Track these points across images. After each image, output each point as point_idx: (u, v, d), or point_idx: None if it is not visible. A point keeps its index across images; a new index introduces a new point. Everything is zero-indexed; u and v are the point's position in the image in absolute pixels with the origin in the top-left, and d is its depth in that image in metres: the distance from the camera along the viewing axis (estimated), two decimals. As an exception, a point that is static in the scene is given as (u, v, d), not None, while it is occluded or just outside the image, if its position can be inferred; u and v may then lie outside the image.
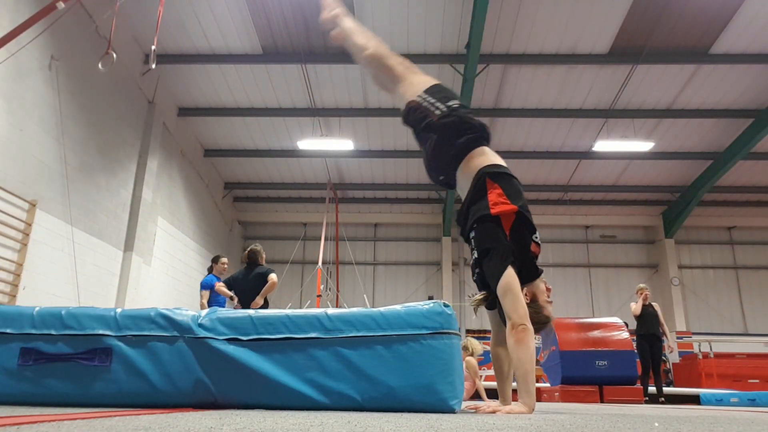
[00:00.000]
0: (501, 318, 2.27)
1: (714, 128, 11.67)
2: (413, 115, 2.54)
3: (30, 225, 6.91)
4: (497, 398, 2.58)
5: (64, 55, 7.46)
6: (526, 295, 2.21)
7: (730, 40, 9.31)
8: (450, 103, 2.45)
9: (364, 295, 13.20)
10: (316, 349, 1.99)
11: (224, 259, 7.23)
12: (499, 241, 2.19)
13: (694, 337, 13.45)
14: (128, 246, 9.43)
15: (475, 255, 2.28)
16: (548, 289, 2.38)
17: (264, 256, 6.34)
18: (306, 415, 1.45)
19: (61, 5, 5.55)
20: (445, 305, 2.08)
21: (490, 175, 2.31)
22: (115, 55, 6.16)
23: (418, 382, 1.91)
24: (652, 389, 7.79)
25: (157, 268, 10.67)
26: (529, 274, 2.27)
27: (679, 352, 13.72)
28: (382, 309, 2.08)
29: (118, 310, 2.14)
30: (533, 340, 2.10)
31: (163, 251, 10.95)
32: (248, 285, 5.96)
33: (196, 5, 8.84)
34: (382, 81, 2.78)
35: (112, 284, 9.01)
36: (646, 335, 7.60)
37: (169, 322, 2.06)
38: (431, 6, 8.75)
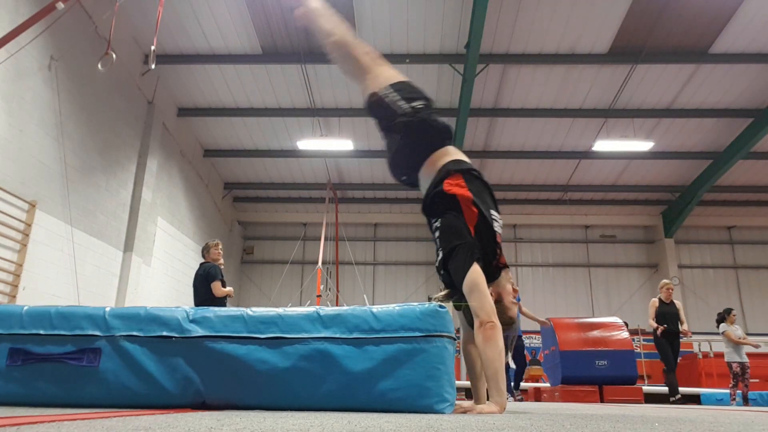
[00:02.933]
0: (468, 317, 2.24)
1: (713, 128, 11.67)
2: (375, 110, 2.48)
3: (30, 225, 6.91)
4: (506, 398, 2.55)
5: (63, 56, 7.45)
6: (492, 294, 2.19)
7: (729, 40, 9.31)
8: (414, 104, 2.39)
9: (364, 295, 13.20)
10: (304, 348, 1.96)
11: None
12: (463, 237, 2.17)
13: (694, 337, 13.44)
14: (128, 246, 9.42)
15: (440, 255, 2.24)
16: (515, 290, 2.36)
17: (213, 251, 5.90)
18: (306, 416, 1.44)
19: (60, 5, 5.55)
20: (441, 306, 2.06)
21: (453, 169, 2.32)
22: (114, 56, 6.15)
23: (409, 383, 1.89)
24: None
25: (156, 269, 10.67)
26: (494, 270, 2.26)
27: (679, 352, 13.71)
28: (375, 309, 2.05)
29: (107, 309, 2.13)
30: (501, 338, 2.06)
31: (162, 251, 10.95)
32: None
33: (196, 5, 8.83)
34: (347, 70, 2.65)
35: (111, 284, 9.01)
36: (667, 333, 7.29)
37: (158, 321, 2.05)
38: (431, 6, 8.75)
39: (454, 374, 2.05)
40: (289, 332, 1.98)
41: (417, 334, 1.96)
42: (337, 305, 12.91)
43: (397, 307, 2.04)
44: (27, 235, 6.87)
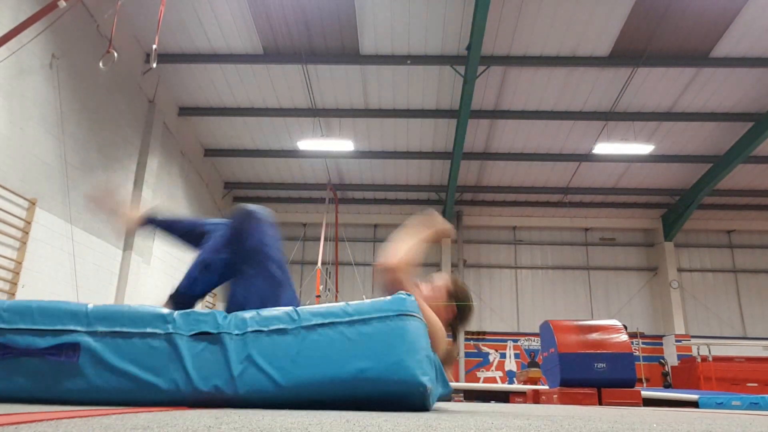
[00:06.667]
0: None
1: (714, 132, 11.68)
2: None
3: (30, 223, 6.91)
4: (496, 401, 2.56)
5: (65, 54, 7.46)
6: None
7: (730, 44, 9.32)
8: None
9: (363, 296, 13.20)
10: (281, 336, 2.00)
11: None
12: None
13: (693, 341, 13.45)
14: (128, 245, 9.43)
15: None
16: None
17: None
18: (305, 414, 1.45)
19: (62, 4, 5.56)
20: (408, 295, 2.10)
21: None
22: (116, 54, 6.16)
23: (387, 360, 1.91)
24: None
25: (156, 268, 10.67)
26: None
27: (678, 356, 13.73)
28: (350, 302, 2.10)
29: (90, 305, 2.13)
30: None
31: (162, 250, 10.95)
32: None
33: (198, 5, 8.85)
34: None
35: (111, 283, 9.01)
36: None
37: (141, 318, 2.05)
38: (432, 7, 8.76)
39: (431, 353, 2.08)
40: (268, 326, 2.02)
41: (389, 313, 2.00)
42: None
43: (368, 301, 2.09)
44: (27, 233, 6.88)
